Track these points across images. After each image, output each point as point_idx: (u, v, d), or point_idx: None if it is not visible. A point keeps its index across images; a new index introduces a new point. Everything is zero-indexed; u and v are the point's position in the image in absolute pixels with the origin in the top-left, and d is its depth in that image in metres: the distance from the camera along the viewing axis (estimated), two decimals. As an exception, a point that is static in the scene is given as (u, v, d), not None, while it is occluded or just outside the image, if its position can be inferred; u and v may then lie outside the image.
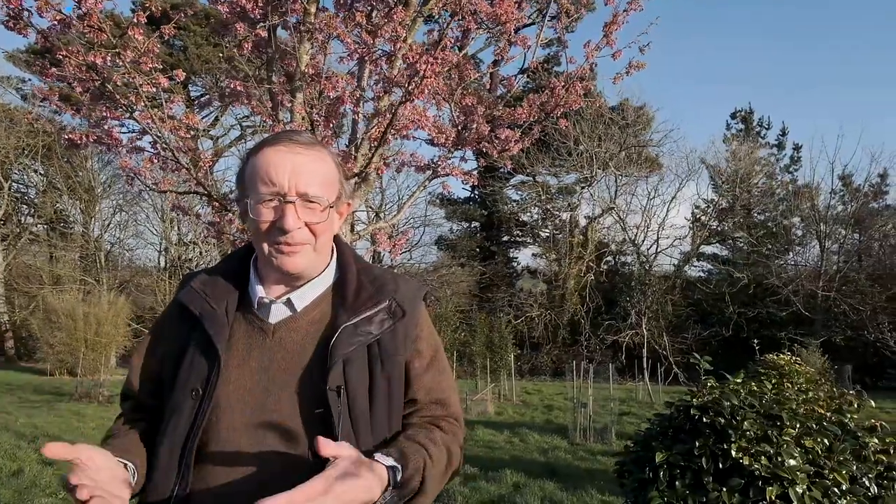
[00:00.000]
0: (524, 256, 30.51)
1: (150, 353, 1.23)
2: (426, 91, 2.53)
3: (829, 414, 3.94)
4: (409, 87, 2.43)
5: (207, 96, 22.17)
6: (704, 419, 3.39)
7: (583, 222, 26.82)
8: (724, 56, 51.79)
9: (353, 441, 1.04)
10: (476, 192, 28.37)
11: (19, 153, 22.58)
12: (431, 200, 26.77)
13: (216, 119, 25.36)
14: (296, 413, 1.07)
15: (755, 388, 3.62)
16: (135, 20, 2.35)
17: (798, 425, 3.35)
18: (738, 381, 3.68)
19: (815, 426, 3.45)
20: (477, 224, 29.85)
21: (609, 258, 27.09)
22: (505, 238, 29.56)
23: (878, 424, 4.11)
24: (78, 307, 16.98)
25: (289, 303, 1.15)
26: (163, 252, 25.54)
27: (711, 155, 26.44)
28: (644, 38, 3.25)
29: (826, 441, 3.40)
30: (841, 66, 49.75)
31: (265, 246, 1.13)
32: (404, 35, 2.78)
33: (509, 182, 28.03)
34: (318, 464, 0.94)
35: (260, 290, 1.16)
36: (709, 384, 3.69)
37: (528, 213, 29.00)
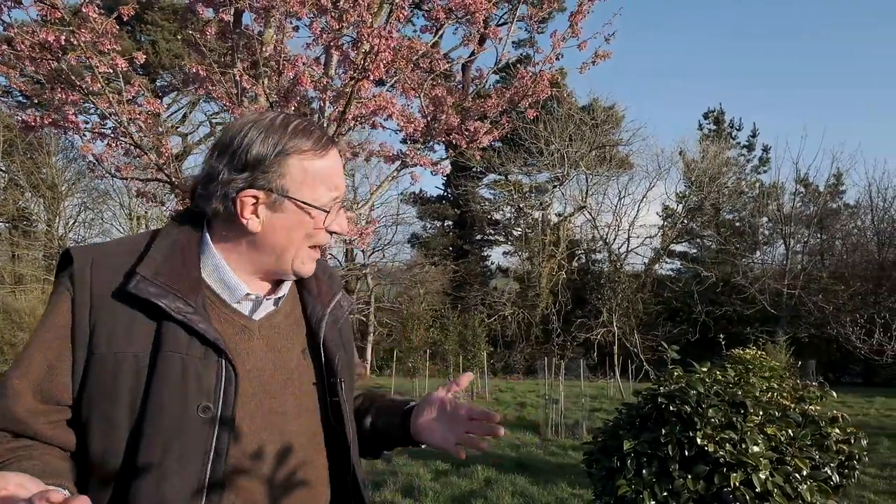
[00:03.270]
0: (497, 255, 30.68)
1: (57, 368, 0.93)
2: (381, 67, 2.50)
3: (792, 405, 4.03)
4: (365, 64, 2.40)
5: (172, 81, 21.74)
6: (671, 407, 3.43)
7: (555, 220, 27.06)
8: (695, 55, 52.86)
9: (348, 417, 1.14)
10: (448, 191, 28.39)
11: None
12: (404, 199, 26.71)
13: (185, 116, 24.87)
14: (303, 410, 1.08)
15: (720, 376, 3.68)
16: (87, -2, 2.26)
17: (761, 412, 3.42)
18: (704, 369, 3.73)
19: (777, 414, 3.52)
20: (450, 223, 29.87)
21: (581, 256, 27.39)
22: (478, 237, 29.65)
23: (839, 415, 4.23)
24: (41, 307, 16.53)
25: (277, 300, 1.09)
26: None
27: (685, 148, 27.02)
28: (609, 28, 3.28)
29: (789, 430, 3.48)
30: (806, 65, 51.25)
31: (300, 250, 1.04)
32: (370, 20, 2.75)
33: (482, 181, 28.12)
34: (337, 473, 1.11)
35: (243, 285, 1.04)
36: (675, 373, 3.74)
37: (501, 212, 29.16)
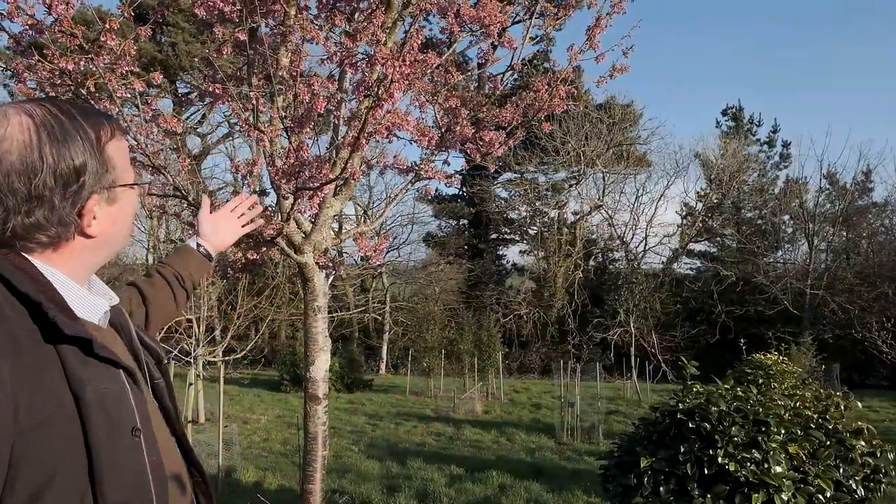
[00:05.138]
0: (512, 254, 30.58)
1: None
2: (395, 95, 2.49)
3: (815, 416, 3.95)
4: (378, 92, 2.39)
5: (193, 93, 21.97)
6: (690, 424, 3.38)
7: (571, 219, 26.89)
8: (713, 53, 52.10)
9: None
10: (464, 190, 28.33)
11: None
12: (419, 197, 26.70)
13: (203, 116, 25.13)
14: (163, 419, 1.05)
15: (741, 393, 3.62)
16: (107, 26, 2.28)
17: (784, 431, 3.35)
18: (726, 386, 3.67)
19: (800, 432, 3.45)
20: (465, 221, 29.83)
21: (597, 255, 27.19)
22: (493, 236, 29.56)
23: (864, 427, 4.13)
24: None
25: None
26: (150, 249, 25.30)
27: (701, 148, 26.67)
28: (627, 41, 3.23)
29: (810, 447, 3.41)
30: (828, 67, 50.23)
31: (129, 226, 1.04)
32: (384, 39, 2.73)
33: (497, 180, 28.02)
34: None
35: (99, 300, 0.98)
36: (695, 389, 3.68)
37: (517, 211, 29.03)
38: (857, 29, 48.75)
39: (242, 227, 1.60)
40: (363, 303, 24.97)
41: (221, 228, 1.55)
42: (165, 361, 1.13)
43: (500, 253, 30.21)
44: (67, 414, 0.81)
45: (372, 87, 2.59)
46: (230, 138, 24.41)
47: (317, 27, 2.77)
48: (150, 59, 22.43)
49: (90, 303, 0.96)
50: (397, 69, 2.32)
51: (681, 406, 3.54)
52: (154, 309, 1.38)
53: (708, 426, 3.34)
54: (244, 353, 11.56)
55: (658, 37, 45.40)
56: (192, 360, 9.94)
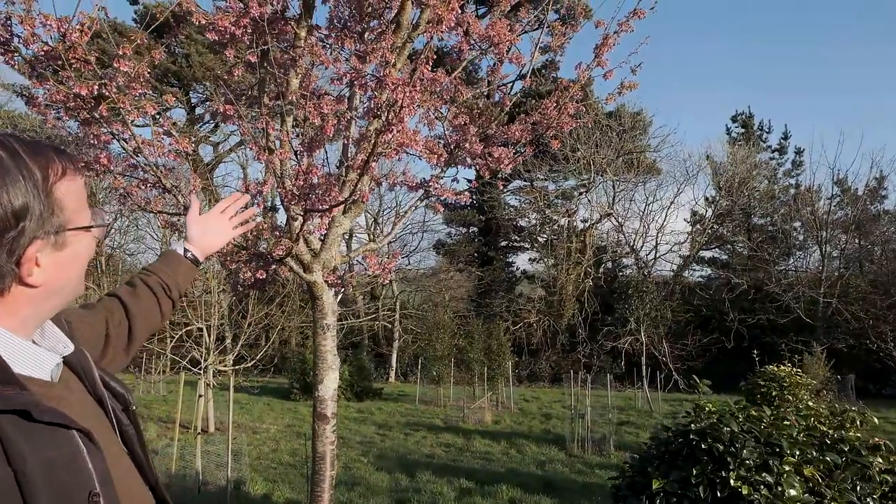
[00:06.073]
0: (522, 261, 30.51)
1: None
2: (405, 120, 2.50)
3: (831, 431, 3.88)
4: (388, 117, 2.40)
5: (205, 111, 22.19)
6: (703, 445, 3.34)
7: (581, 227, 26.81)
8: (724, 59, 51.87)
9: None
10: (474, 198, 28.35)
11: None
12: (429, 205, 26.71)
13: (216, 125, 25.35)
14: (122, 450, 0.97)
15: (754, 412, 3.57)
16: (120, 52, 2.30)
17: (798, 453, 3.30)
18: (739, 406, 3.62)
19: (815, 453, 3.40)
20: (475, 229, 29.84)
21: (608, 263, 27.06)
22: (503, 243, 29.54)
23: (882, 443, 4.05)
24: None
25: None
26: (162, 258, 25.51)
27: (712, 153, 26.55)
28: (635, 57, 3.22)
29: (826, 467, 3.35)
30: (837, 71, 49.84)
31: (83, 272, 0.94)
32: (393, 60, 2.74)
33: (507, 187, 28.01)
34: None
35: (50, 354, 0.90)
36: (707, 408, 3.64)
37: (526, 218, 29.00)
38: (865, 30, 48.37)
39: (234, 228, 1.50)
40: (373, 310, 24.99)
41: (210, 231, 1.46)
42: (134, 406, 1.03)
43: (510, 260, 30.18)
44: (4, 491, 0.73)
45: (382, 108, 2.60)
46: (242, 147, 24.60)
47: (326, 48, 2.79)
48: (163, 70, 22.71)
49: (37, 357, 0.87)
50: (407, 94, 2.33)
51: (693, 426, 3.50)
52: (138, 323, 1.29)
53: (720, 447, 3.30)
54: (254, 362, 11.61)
55: (666, 43, 45.32)
56: (202, 371, 9.99)
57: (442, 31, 2.73)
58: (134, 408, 1.04)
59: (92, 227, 0.92)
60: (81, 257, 0.91)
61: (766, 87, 50.29)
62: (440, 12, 2.50)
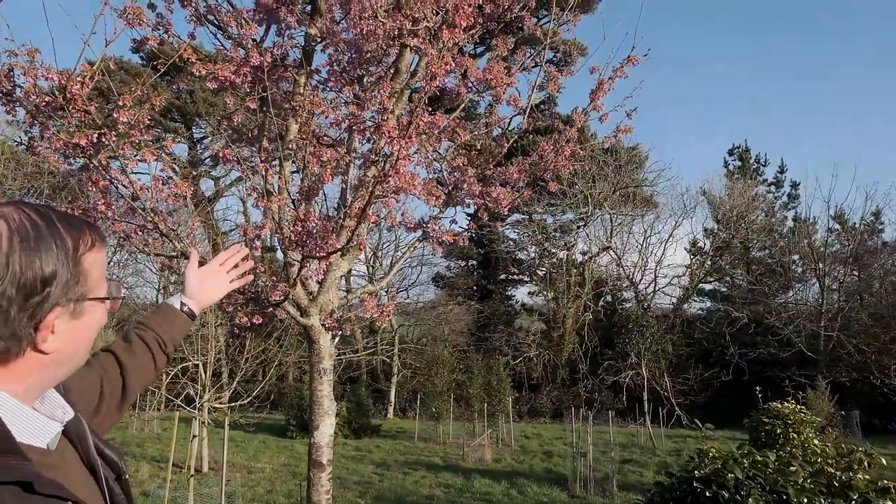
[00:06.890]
0: (521, 294, 30.42)
1: None
2: (401, 171, 2.51)
3: (838, 473, 3.79)
4: (385, 168, 2.41)
5: (209, 142, 22.46)
6: (707, 493, 3.27)
7: (580, 260, 26.83)
8: (720, 93, 52.75)
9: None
10: (472, 231, 28.44)
11: (24, 194, 22.71)
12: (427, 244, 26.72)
13: (217, 159, 25.61)
14: None
15: (759, 458, 3.50)
16: (120, 103, 2.33)
17: (805, 500, 3.22)
18: (743, 452, 3.55)
19: (823, 501, 3.31)
20: (474, 262, 29.84)
21: (607, 296, 26.99)
22: (502, 276, 29.50)
23: (891, 486, 3.96)
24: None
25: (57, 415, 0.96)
26: (161, 291, 25.41)
27: (708, 187, 26.76)
28: (630, 102, 3.26)
29: (834, 515, 3.27)
30: (831, 99, 50.70)
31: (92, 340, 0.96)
32: (391, 107, 2.78)
33: (505, 221, 28.13)
34: None
35: (52, 422, 0.90)
36: (711, 453, 3.57)
37: (525, 251, 29.04)
38: (856, 51, 49.38)
39: (231, 282, 1.52)
40: (372, 344, 24.79)
41: (208, 284, 1.48)
42: (126, 476, 1.03)
43: (509, 294, 30.10)
44: None
45: (379, 154, 2.62)
46: (242, 182, 24.80)
47: (325, 92, 2.83)
48: (167, 106, 23.07)
49: (39, 425, 0.87)
50: (403, 146, 2.35)
51: (696, 472, 3.42)
52: (132, 378, 1.29)
53: (725, 494, 3.22)
54: (251, 398, 11.44)
55: (662, 77, 46.19)
56: (197, 409, 9.83)
57: (436, 86, 2.77)
58: (126, 476, 1.03)
59: (109, 298, 0.95)
60: (94, 327, 0.94)
61: (762, 118, 51.05)
62: (434, 69, 2.55)
